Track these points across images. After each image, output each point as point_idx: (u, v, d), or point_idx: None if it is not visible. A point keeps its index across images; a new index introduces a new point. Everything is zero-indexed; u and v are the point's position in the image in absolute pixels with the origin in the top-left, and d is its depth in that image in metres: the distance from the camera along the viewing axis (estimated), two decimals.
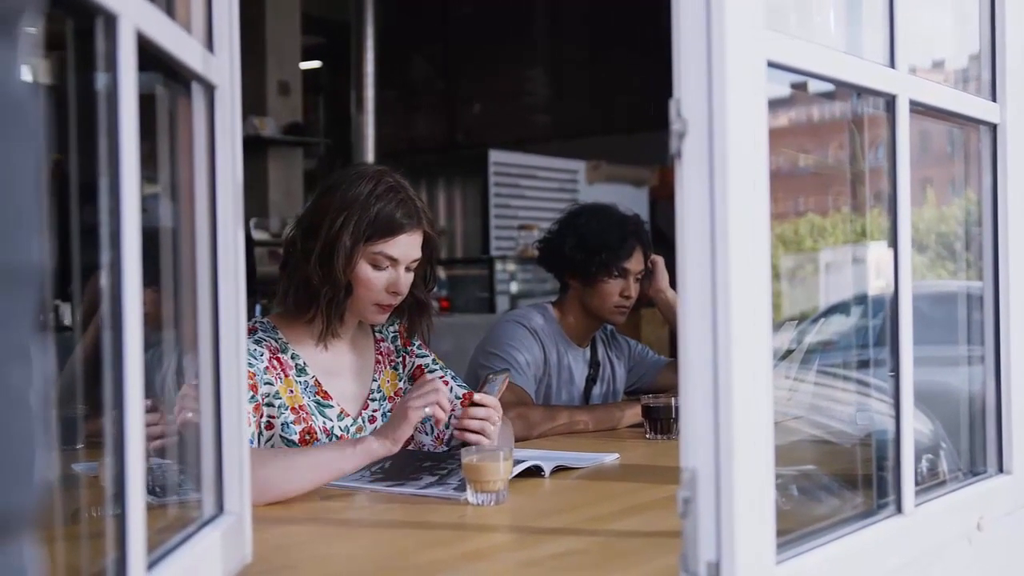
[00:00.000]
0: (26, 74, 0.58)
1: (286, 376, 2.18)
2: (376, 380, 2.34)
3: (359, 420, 2.28)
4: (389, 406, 2.33)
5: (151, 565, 1.10)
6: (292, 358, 2.22)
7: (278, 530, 1.72)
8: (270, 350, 2.17)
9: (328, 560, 1.61)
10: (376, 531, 1.75)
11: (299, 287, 2.20)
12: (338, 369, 2.29)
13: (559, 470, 2.17)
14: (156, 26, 1.11)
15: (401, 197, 2.20)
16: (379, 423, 2.28)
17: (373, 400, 2.32)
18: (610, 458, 2.35)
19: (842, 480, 1.73)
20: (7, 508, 0.57)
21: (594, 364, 3.15)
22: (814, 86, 1.56)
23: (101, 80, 1.02)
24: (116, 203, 1.01)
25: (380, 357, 2.37)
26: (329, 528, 1.78)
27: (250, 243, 4.82)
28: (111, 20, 1.00)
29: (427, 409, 1.98)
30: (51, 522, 1.08)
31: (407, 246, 2.21)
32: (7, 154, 0.55)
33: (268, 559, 1.49)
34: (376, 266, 2.19)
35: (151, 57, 1.12)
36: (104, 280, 1.02)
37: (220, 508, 1.37)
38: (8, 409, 0.57)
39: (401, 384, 2.38)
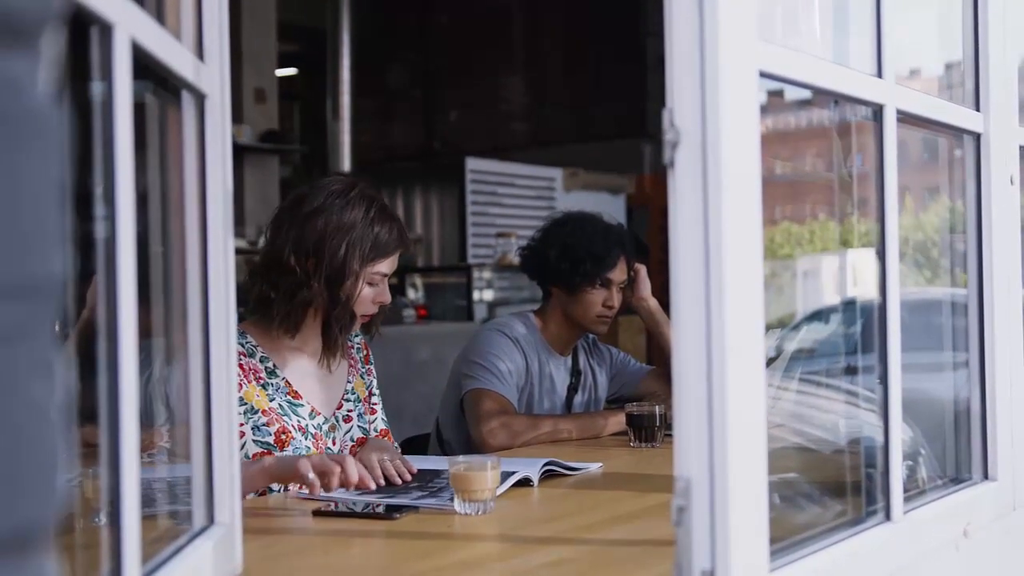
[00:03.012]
0: (48, 85, 0.58)
1: (250, 382, 2.24)
2: (350, 382, 2.43)
3: (332, 419, 2.36)
4: (363, 407, 2.44)
5: None
6: (261, 361, 2.28)
7: (268, 541, 1.71)
8: None
9: (317, 571, 1.60)
10: (365, 542, 1.75)
11: (300, 308, 2.25)
12: (311, 371, 2.35)
13: (548, 476, 2.18)
14: (150, 35, 1.10)
15: (392, 216, 2.33)
16: (354, 423, 2.39)
17: (348, 400, 2.41)
18: (594, 467, 2.35)
19: (828, 488, 1.73)
20: (31, 522, 0.57)
21: (576, 373, 3.15)
22: (790, 93, 1.57)
23: (95, 88, 1.01)
24: (111, 211, 1.00)
25: (352, 361, 2.46)
26: (318, 539, 1.78)
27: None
28: (106, 29, 0.99)
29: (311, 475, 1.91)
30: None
31: (396, 261, 2.34)
32: (30, 166, 0.55)
33: (258, 571, 1.48)
34: (371, 284, 2.30)
35: (142, 65, 1.11)
36: (97, 288, 1.01)
37: (211, 519, 1.36)
38: (31, 423, 0.56)
39: (367, 392, 2.48)
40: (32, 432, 0.56)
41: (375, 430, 2.43)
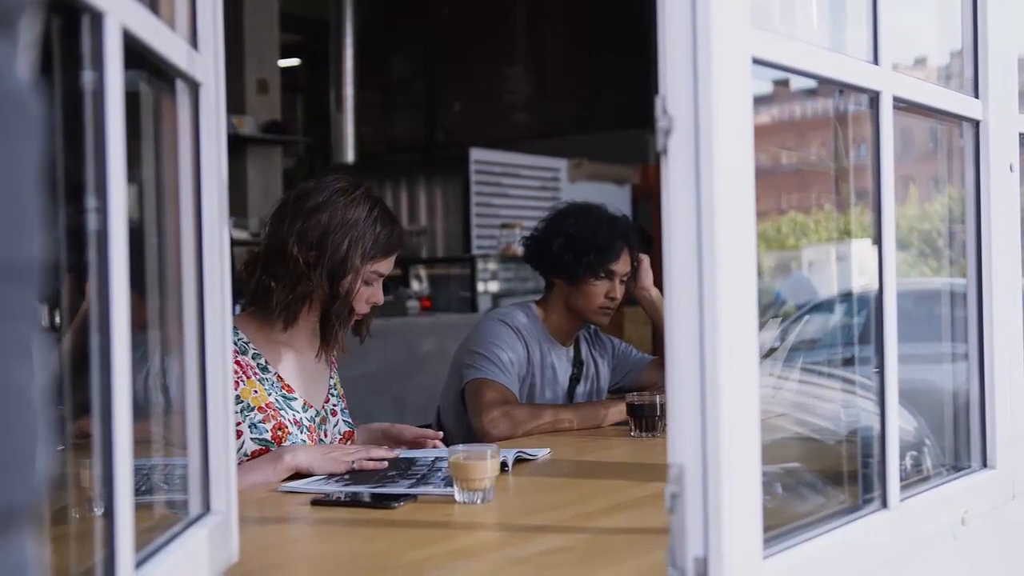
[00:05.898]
0: (25, 70, 0.58)
1: (248, 378, 2.26)
2: (332, 378, 2.48)
3: (322, 412, 2.40)
4: (343, 404, 2.49)
5: (138, 564, 1.09)
6: (253, 358, 2.30)
7: (264, 530, 1.71)
8: None
9: (315, 559, 1.60)
10: (363, 530, 1.75)
11: (300, 299, 2.29)
12: (299, 366, 2.38)
13: (544, 465, 2.19)
14: (142, 23, 1.10)
15: (394, 219, 2.37)
16: (339, 417, 2.45)
17: (333, 395, 2.46)
18: (542, 453, 2.37)
19: (827, 476, 1.73)
20: (11, 503, 0.57)
21: (578, 363, 3.15)
22: (796, 83, 1.56)
23: (87, 77, 1.01)
24: (103, 202, 1.00)
25: (333, 359, 2.51)
26: (316, 528, 1.78)
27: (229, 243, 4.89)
28: (97, 17, 0.99)
29: (354, 465, 2.13)
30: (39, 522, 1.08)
31: (392, 263, 2.38)
32: (8, 151, 0.55)
33: (254, 559, 1.48)
34: (367, 282, 2.33)
35: (135, 54, 1.11)
36: (90, 281, 1.02)
37: (207, 507, 1.37)
38: (12, 404, 0.57)
39: (342, 389, 2.53)
40: (12, 413, 0.57)
41: (339, 432, 2.45)
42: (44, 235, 0.59)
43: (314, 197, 2.30)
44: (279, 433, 2.24)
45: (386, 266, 2.35)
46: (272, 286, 2.27)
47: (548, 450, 2.41)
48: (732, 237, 1.18)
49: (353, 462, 2.12)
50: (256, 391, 2.26)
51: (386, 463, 2.15)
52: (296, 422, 2.29)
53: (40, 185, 0.59)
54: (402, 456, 2.26)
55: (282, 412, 2.27)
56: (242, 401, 2.22)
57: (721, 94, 1.16)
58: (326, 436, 2.37)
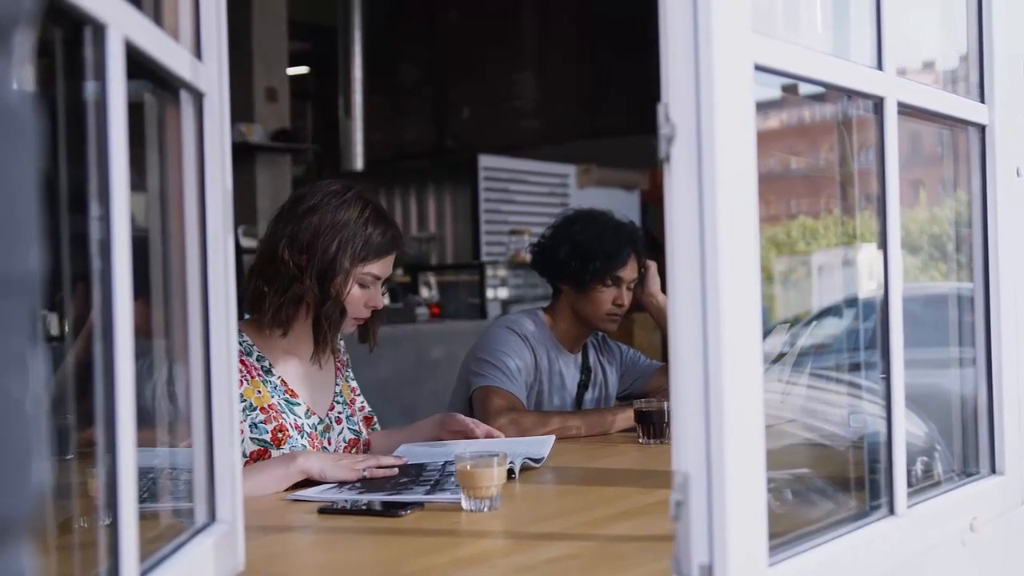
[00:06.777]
0: (21, 83, 0.58)
1: (252, 378, 2.27)
2: (338, 385, 2.47)
3: (326, 419, 2.39)
4: (349, 410, 2.47)
5: (143, 573, 1.09)
6: (258, 360, 2.31)
7: (271, 539, 1.71)
8: None
9: (321, 568, 1.60)
10: (370, 539, 1.75)
11: (292, 303, 2.28)
12: (304, 373, 2.38)
13: (525, 469, 2.21)
14: (144, 34, 1.11)
15: (387, 220, 2.36)
16: (344, 424, 2.43)
17: (338, 402, 2.45)
18: (547, 444, 2.40)
19: (835, 482, 1.73)
20: (7, 514, 0.57)
21: (586, 370, 3.15)
22: (804, 88, 1.56)
23: (89, 88, 1.02)
24: (106, 212, 1.01)
25: (339, 365, 2.50)
26: (322, 536, 1.78)
27: (238, 251, 4.88)
28: (100, 29, 0.99)
29: (365, 473, 2.13)
30: (44, 531, 1.08)
31: (390, 265, 2.37)
32: (4, 164, 0.55)
33: (260, 568, 1.48)
34: (362, 285, 2.32)
35: (139, 65, 1.12)
36: (94, 289, 1.02)
37: (212, 516, 1.37)
38: (6, 416, 0.57)
39: (352, 394, 2.52)
40: (7, 425, 0.57)
41: (356, 426, 2.46)
42: (43, 247, 0.60)
43: (307, 200, 2.31)
44: (279, 435, 2.24)
45: (380, 268, 2.33)
46: (265, 291, 2.28)
47: (552, 438, 2.43)
48: (735, 243, 1.17)
49: (364, 470, 2.12)
50: (259, 391, 2.26)
51: (396, 471, 2.15)
52: (297, 427, 2.29)
53: (37, 198, 0.59)
54: (411, 463, 2.26)
55: (284, 415, 2.27)
56: (245, 400, 2.22)
57: (723, 101, 1.16)
58: (330, 444, 2.37)
